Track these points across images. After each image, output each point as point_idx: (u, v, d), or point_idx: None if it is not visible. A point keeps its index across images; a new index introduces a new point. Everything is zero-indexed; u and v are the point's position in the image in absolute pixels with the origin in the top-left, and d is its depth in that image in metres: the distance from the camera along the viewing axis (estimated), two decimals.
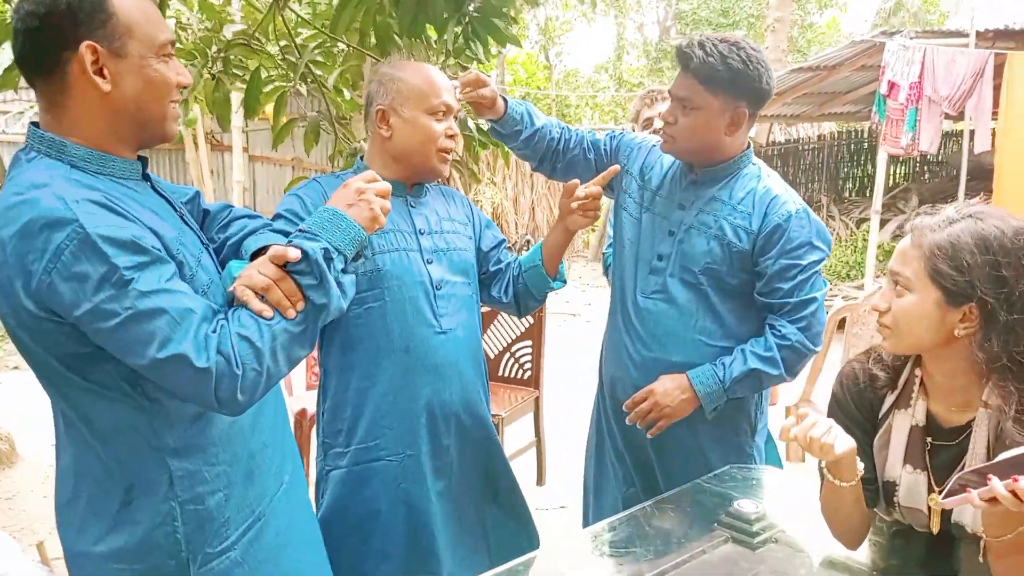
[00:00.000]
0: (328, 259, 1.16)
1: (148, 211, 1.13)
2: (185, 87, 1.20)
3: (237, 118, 6.93)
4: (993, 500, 1.05)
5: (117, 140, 1.14)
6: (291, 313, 1.13)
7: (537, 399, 3.58)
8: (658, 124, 2.83)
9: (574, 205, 1.80)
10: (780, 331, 1.78)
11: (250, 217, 1.46)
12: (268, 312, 1.11)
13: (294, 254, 1.12)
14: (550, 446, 3.74)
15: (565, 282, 1.94)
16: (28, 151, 1.10)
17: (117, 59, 1.09)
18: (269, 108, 2.72)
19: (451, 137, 1.73)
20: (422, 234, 1.76)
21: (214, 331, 1.08)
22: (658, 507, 1.51)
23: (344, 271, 1.20)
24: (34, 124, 1.12)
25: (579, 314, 8.01)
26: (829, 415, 1.40)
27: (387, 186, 1.29)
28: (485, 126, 2.69)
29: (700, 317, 1.85)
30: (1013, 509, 1.04)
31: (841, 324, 3.39)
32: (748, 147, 1.88)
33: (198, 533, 1.16)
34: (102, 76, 1.08)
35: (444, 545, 1.77)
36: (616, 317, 2.01)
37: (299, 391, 3.79)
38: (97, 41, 1.07)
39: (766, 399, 1.99)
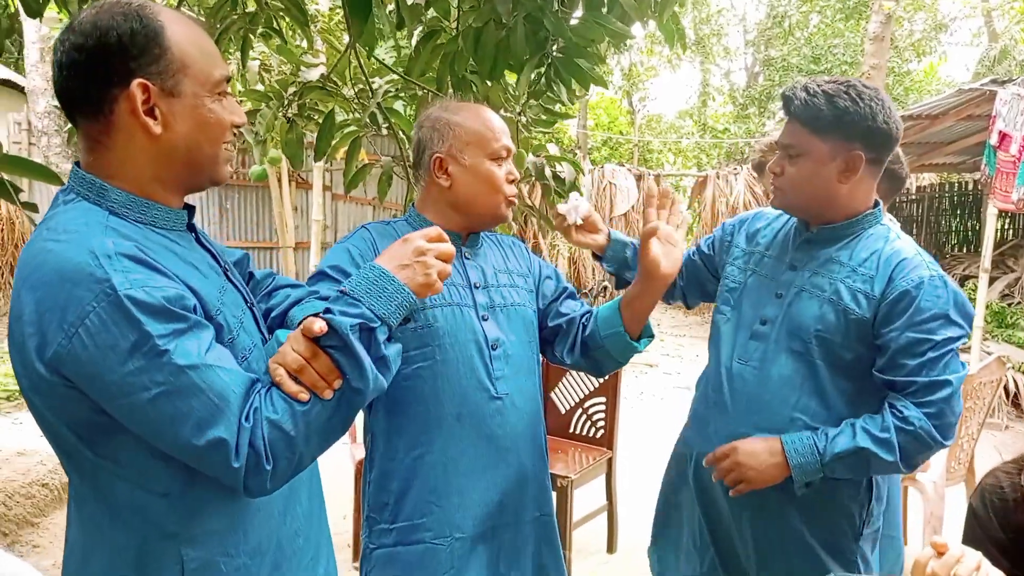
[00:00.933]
0: (368, 330, 1.02)
1: (189, 266, 1.03)
2: (239, 127, 1.10)
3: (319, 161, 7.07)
4: None
5: (163, 185, 1.04)
6: (327, 394, 0.99)
7: (610, 460, 3.38)
8: None
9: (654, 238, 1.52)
10: (902, 412, 1.50)
11: (293, 286, 1.36)
12: (304, 396, 0.98)
13: (319, 327, 0.98)
14: (623, 511, 3.51)
15: (653, 336, 1.70)
16: (67, 192, 1.02)
17: (170, 99, 1.00)
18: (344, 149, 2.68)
19: (512, 182, 1.62)
20: (476, 288, 1.62)
21: (247, 418, 0.96)
22: None
23: (390, 339, 1.07)
24: (77, 164, 1.04)
25: (657, 365, 7.73)
26: (967, 535, 1.17)
27: (451, 249, 1.15)
28: (562, 174, 2.57)
29: (804, 393, 1.60)
30: None
31: None
32: (877, 205, 1.64)
33: None
34: (153, 117, 0.99)
35: None
36: (706, 386, 1.79)
37: (363, 436, 3.69)
38: (149, 79, 0.97)
39: (878, 500, 1.68)
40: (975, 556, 1.02)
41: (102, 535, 1.01)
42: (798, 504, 1.62)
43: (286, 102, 2.41)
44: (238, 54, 2.56)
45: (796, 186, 1.60)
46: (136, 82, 0.97)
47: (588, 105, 15.76)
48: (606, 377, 3.34)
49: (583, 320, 1.73)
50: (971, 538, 1.17)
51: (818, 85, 1.54)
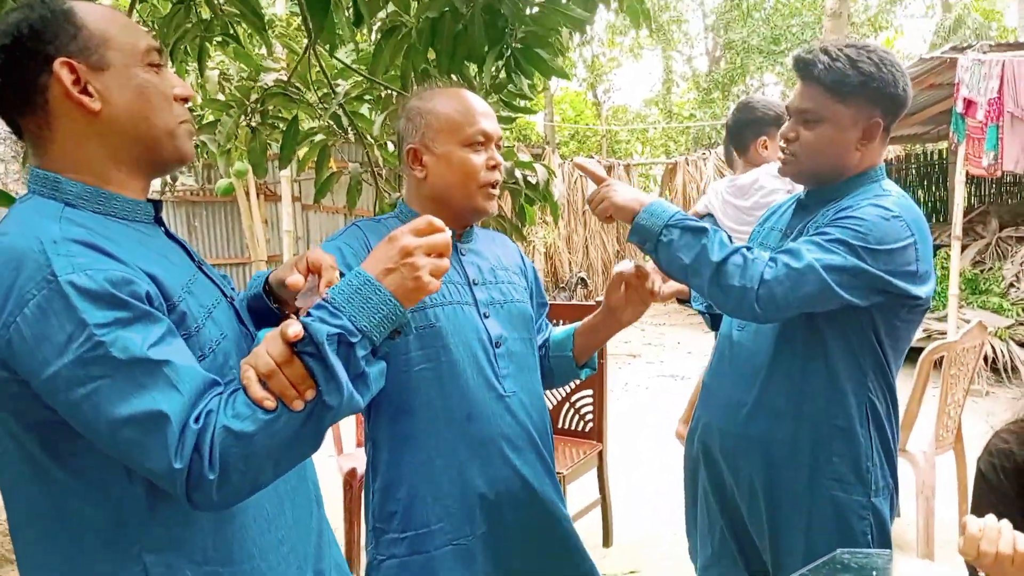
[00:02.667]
0: (347, 344, 0.93)
1: (154, 253, 0.99)
2: (187, 100, 1.07)
3: (287, 168, 6.96)
4: None
5: (119, 167, 1.01)
6: (297, 404, 0.91)
7: (600, 453, 3.35)
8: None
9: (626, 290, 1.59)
10: (754, 251, 1.51)
11: None
12: (270, 403, 0.90)
13: (295, 331, 0.90)
14: (616, 504, 3.48)
15: (595, 369, 1.76)
16: (27, 194, 0.99)
17: (100, 73, 0.98)
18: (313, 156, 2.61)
19: (493, 168, 1.52)
20: (475, 285, 1.56)
21: (196, 419, 0.89)
22: None
23: (376, 353, 0.99)
24: (34, 168, 1.01)
25: (639, 355, 7.73)
26: (977, 500, 1.14)
27: (445, 239, 1.02)
28: (533, 178, 2.51)
29: (794, 349, 1.60)
30: None
31: (937, 364, 3.07)
32: (878, 167, 1.62)
33: None
34: (88, 94, 0.97)
35: None
36: (712, 358, 1.83)
37: (349, 447, 3.63)
38: (71, 56, 0.96)
39: (890, 447, 1.61)
40: (1008, 527, 1.00)
41: (58, 550, 0.96)
42: (802, 453, 1.61)
43: (248, 110, 2.35)
44: (195, 64, 2.49)
45: (813, 152, 1.57)
46: (58, 61, 0.95)
47: (553, 100, 15.75)
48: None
49: (543, 341, 1.76)
50: (984, 501, 1.14)
51: (839, 49, 1.51)
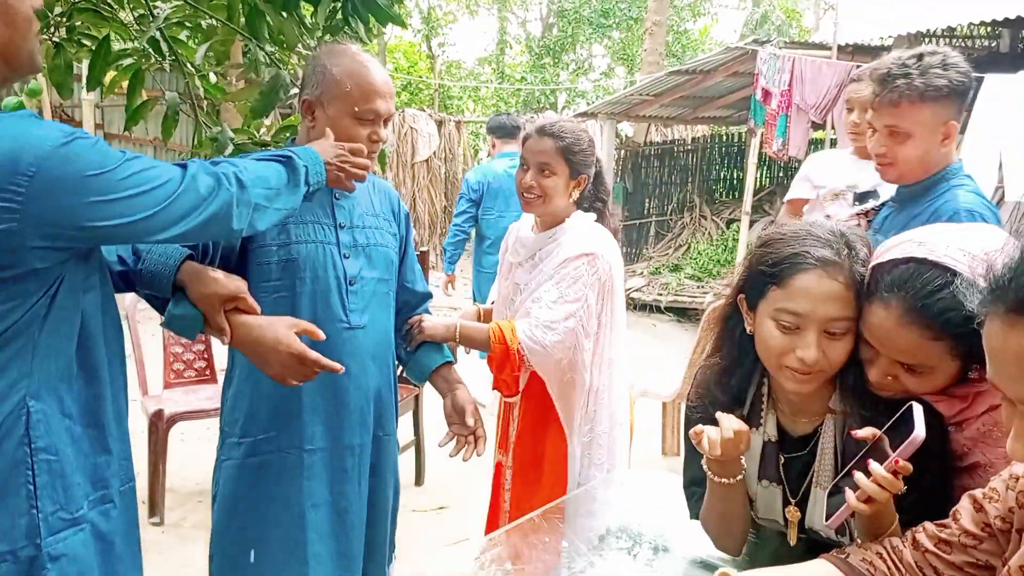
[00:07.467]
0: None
1: None
2: (39, 9, 1.12)
3: (91, 92, 6.34)
4: (869, 500, 1.05)
5: None
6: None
7: (417, 396, 3.48)
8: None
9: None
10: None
11: None
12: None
13: None
14: (429, 445, 3.64)
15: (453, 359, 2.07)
16: None
17: None
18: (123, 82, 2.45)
19: (374, 143, 1.69)
20: (342, 228, 1.73)
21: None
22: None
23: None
24: None
25: (460, 308, 7.91)
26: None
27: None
28: None
29: None
30: (892, 491, 1.04)
31: None
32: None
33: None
34: None
35: (326, 551, 1.72)
36: None
37: (156, 390, 3.51)
38: None
39: None
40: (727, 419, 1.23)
41: None
42: None
43: (52, 24, 2.16)
44: None
45: None
46: None
47: (387, 48, 15.41)
48: None
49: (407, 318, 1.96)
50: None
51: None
